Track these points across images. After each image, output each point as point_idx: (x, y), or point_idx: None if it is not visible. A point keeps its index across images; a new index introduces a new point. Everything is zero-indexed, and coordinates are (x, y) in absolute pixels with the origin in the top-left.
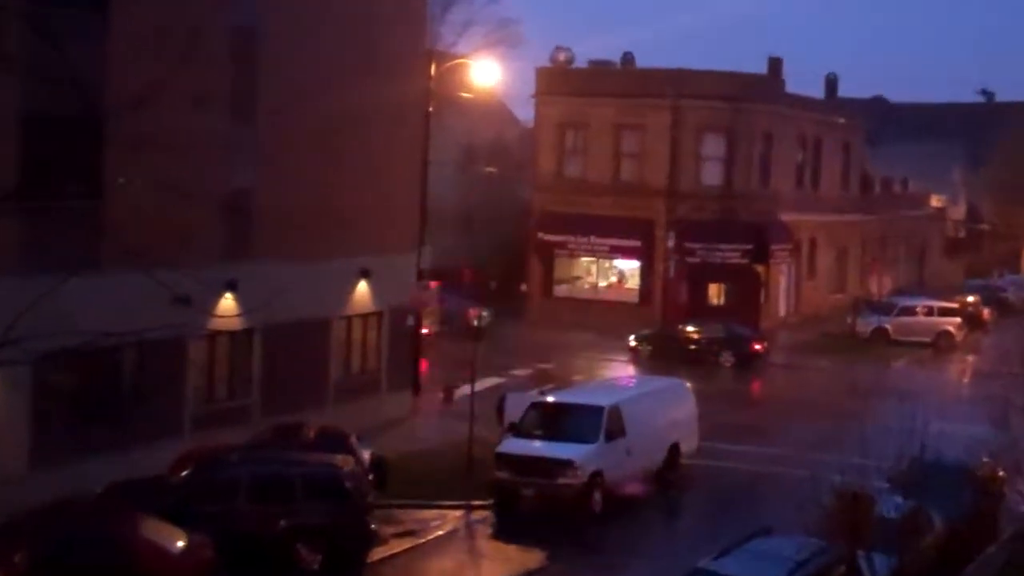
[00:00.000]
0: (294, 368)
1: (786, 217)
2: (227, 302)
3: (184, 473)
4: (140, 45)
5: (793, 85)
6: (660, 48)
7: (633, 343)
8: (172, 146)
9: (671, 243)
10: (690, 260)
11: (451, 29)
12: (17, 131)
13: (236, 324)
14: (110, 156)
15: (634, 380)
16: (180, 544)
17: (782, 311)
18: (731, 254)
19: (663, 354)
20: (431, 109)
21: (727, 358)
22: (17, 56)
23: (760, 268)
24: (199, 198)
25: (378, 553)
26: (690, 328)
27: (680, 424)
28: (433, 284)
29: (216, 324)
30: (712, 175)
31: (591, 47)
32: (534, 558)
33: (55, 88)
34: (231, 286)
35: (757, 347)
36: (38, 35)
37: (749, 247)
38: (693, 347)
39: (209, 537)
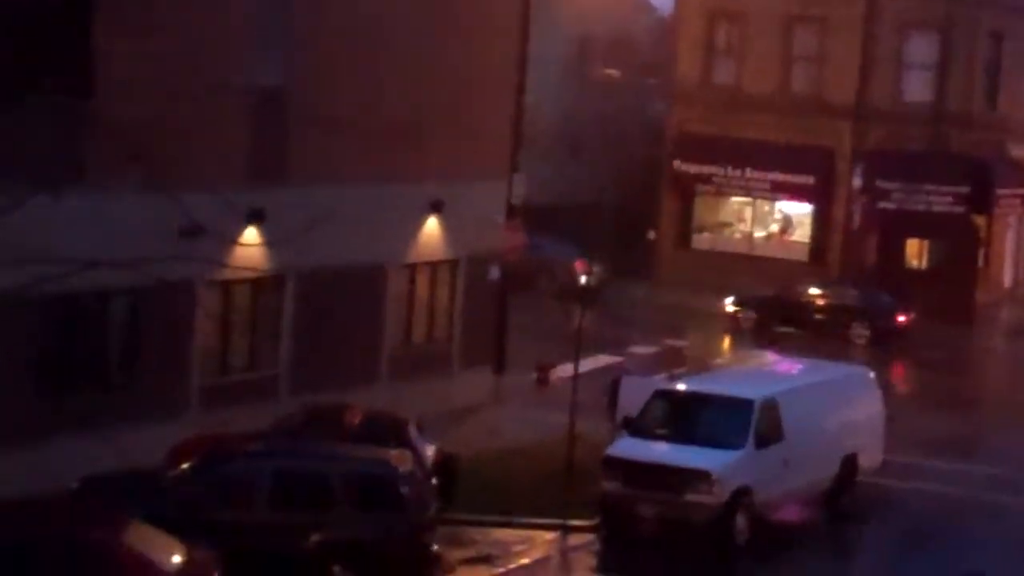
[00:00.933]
0: (337, 330)
1: (1019, 152)
2: (250, 238)
3: (186, 466)
4: None
5: None
6: None
7: (731, 308)
8: (181, 26)
9: (857, 181)
10: (883, 205)
11: None
12: None
13: (261, 267)
14: (101, 38)
15: (799, 366)
16: (177, 560)
17: (1008, 280)
18: (941, 199)
19: (771, 323)
20: None
21: (859, 332)
22: None
23: (980, 220)
24: (215, 97)
25: None
26: (812, 291)
27: (859, 428)
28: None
29: (235, 266)
30: (918, 89)
31: None
32: None
33: None
34: (256, 216)
35: (901, 319)
36: None
37: (966, 190)
38: (817, 316)
39: (216, 552)
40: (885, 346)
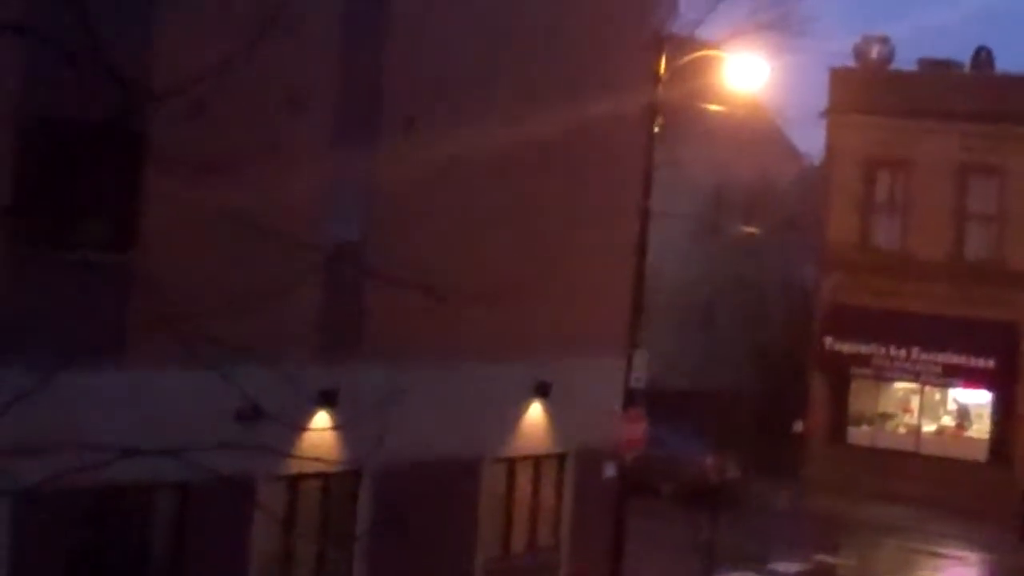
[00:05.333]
0: (421, 536)
1: None
2: (320, 424)
3: None
4: (203, 17)
5: None
6: None
7: None
8: (242, 173)
9: None
10: None
11: (694, 1)
12: (12, 141)
13: (333, 459)
14: (150, 186)
15: None
16: None
17: None
18: None
19: None
20: (657, 129)
21: None
22: (23, 28)
23: None
24: (280, 256)
25: None
26: None
27: None
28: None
29: (301, 457)
30: None
31: (917, 36)
32: None
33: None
34: (327, 398)
35: None
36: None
37: None
38: None
39: None
40: None
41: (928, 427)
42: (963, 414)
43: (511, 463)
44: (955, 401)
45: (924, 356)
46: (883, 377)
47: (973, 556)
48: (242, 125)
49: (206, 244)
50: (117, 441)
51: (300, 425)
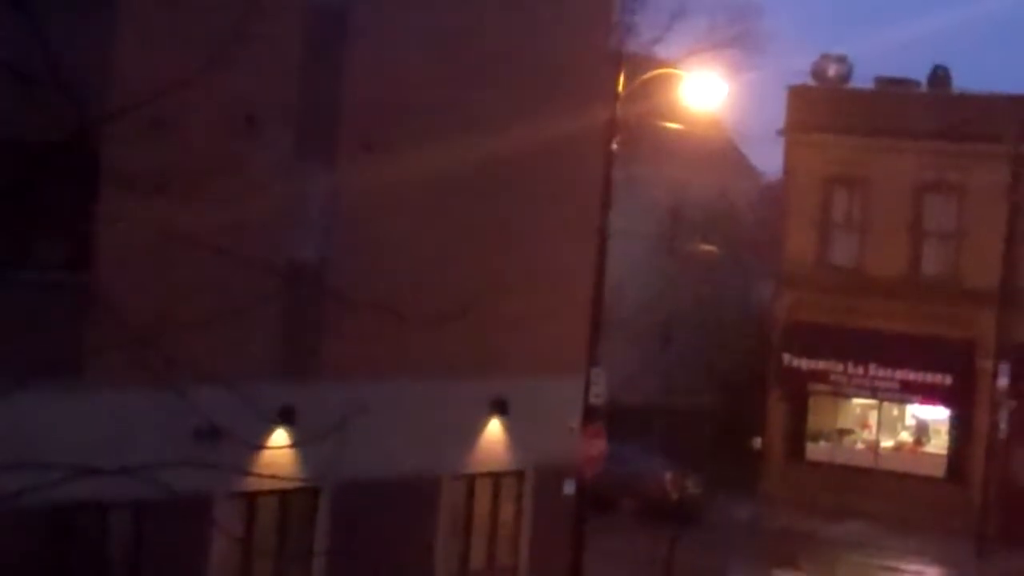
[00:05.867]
0: (380, 554)
1: None
2: (278, 442)
3: None
4: (160, 36)
5: None
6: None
7: None
8: (200, 193)
9: (1004, 381)
10: None
11: (652, 19)
12: None
13: (291, 477)
14: (107, 206)
15: None
16: None
17: None
18: None
19: None
20: (615, 146)
21: None
22: None
23: None
24: (239, 274)
25: None
26: None
27: None
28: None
29: (260, 475)
30: None
31: (875, 55)
32: None
33: (31, 97)
34: (285, 416)
35: None
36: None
37: None
38: None
39: None
40: None
41: (886, 443)
42: (921, 430)
43: (470, 480)
44: (913, 417)
45: (882, 372)
46: (841, 393)
47: (931, 571)
48: (200, 144)
49: (164, 264)
50: (74, 460)
51: (258, 443)
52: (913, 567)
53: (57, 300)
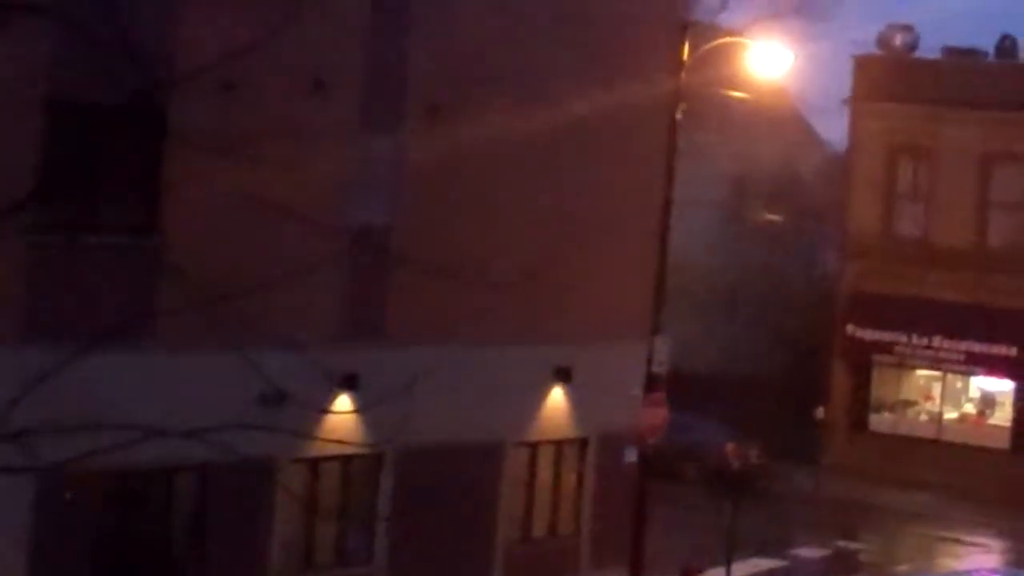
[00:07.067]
0: (442, 520)
1: None
2: (342, 407)
3: None
4: (227, 4)
5: None
6: None
7: None
8: (267, 157)
9: None
10: None
11: None
12: (37, 125)
13: (354, 442)
14: (175, 167)
15: None
16: None
17: None
18: None
19: None
20: (680, 115)
21: None
22: (47, 11)
23: None
24: (306, 238)
25: None
26: None
27: None
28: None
29: (324, 439)
30: None
31: (942, 24)
32: None
33: (97, 63)
34: (349, 382)
35: None
36: None
37: None
38: None
39: None
40: None
41: (950, 415)
42: (986, 402)
43: (533, 447)
44: (978, 389)
45: (946, 344)
46: (905, 364)
47: (995, 544)
48: (267, 108)
49: (231, 227)
50: (141, 423)
51: (322, 408)
52: (977, 540)
53: (125, 263)
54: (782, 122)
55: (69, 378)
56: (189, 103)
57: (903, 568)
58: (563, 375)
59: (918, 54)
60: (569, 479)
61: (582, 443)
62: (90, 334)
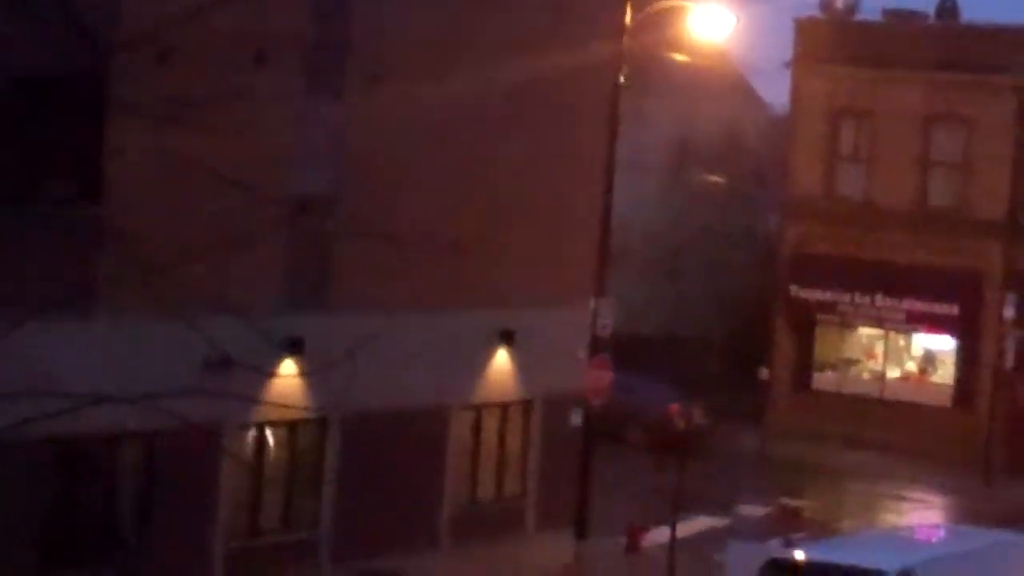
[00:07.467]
0: (389, 484)
1: None
2: (287, 372)
3: None
4: None
5: None
6: None
7: None
8: (210, 125)
9: (1009, 311)
10: None
11: None
12: None
13: (300, 407)
14: (116, 136)
15: (942, 532)
16: None
17: None
18: None
19: None
20: (622, 79)
21: None
22: None
23: None
24: (249, 206)
25: None
26: None
27: None
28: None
29: (269, 404)
30: None
31: None
32: None
33: (39, 32)
34: (295, 346)
35: None
36: None
37: None
38: None
39: None
40: None
41: (892, 373)
42: (928, 360)
43: (478, 410)
44: (920, 347)
45: (888, 303)
46: (848, 324)
47: (938, 500)
48: (208, 76)
49: (174, 196)
50: (86, 390)
51: (268, 373)
52: (919, 496)
53: (68, 233)
54: (724, 85)
55: (12, 346)
56: (130, 71)
57: (846, 525)
58: (507, 338)
59: (859, 16)
60: (514, 441)
61: (527, 405)
62: (34, 303)
